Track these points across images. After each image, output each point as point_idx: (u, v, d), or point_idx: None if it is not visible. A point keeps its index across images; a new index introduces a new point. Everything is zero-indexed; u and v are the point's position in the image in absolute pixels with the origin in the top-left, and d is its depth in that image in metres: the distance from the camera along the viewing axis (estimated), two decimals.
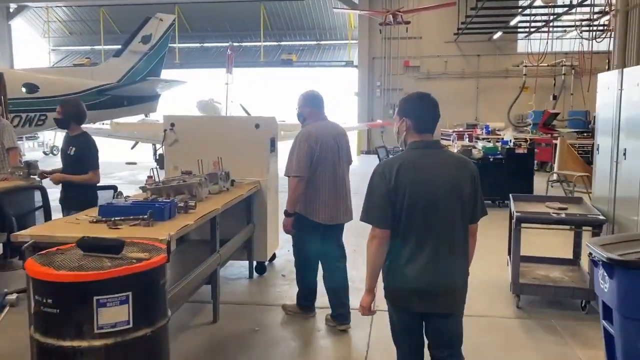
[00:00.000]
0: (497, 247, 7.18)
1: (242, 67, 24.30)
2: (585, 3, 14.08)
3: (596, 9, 14.36)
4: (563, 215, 4.75)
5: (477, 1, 14.92)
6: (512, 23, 17.16)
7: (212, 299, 4.60)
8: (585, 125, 17.04)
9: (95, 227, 3.56)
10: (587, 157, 12.71)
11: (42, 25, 26.48)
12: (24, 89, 13.45)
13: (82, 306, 2.33)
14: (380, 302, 2.80)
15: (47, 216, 5.26)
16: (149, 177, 4.88)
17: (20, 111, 13.27)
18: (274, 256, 6.23)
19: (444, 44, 21.36)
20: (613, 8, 11.61)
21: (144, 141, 15.31)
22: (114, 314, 2.36)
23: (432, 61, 21.65)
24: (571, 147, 11.91)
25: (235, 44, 24.90)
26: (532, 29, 18.37)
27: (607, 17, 13.64)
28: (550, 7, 14.37)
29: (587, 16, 15.39)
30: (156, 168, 4.84)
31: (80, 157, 4.97)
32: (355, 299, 4.12)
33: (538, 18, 16.68)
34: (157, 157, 14.26)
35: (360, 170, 18.09)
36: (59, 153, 5.24)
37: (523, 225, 4.83)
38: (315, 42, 25.44)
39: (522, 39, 20.95)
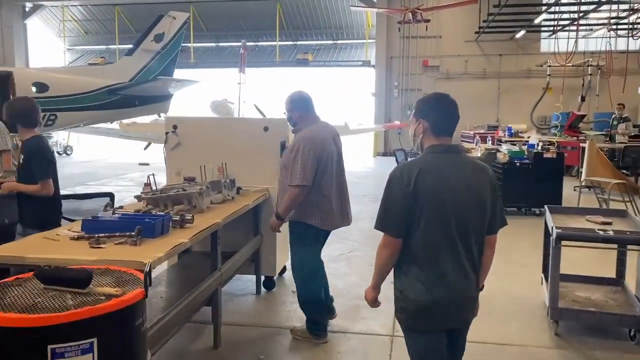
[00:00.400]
0: (526, 261, 6.62)
1: (258, 67, 23.93)
2: (615, 0, 13.40)
3: (624, 6, 13.67)
4: (611, 233, 4.19)
5: None
6: (537, 21, 16.46)
7: (213, 321, 4.13)
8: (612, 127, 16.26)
9: (76, 245, 3.11)
10: (616, 162, 12.06)
11: (58, 25, 26.34)
12: (33, 88, 13.15)
13: (33, 357, 1.87)
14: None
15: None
16: (146, 184, 4.43)
17: None
18: (284, 269, 5.75)
19: (464, 43, 20.70)
20: None
21: (157, 142, 14.94)
22: None
23: (452, 61, 21.01)
24: (600, 151, 11.25)
25: (250, 43, 24.56)
26: (558, 28, 17.69)
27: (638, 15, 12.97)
28: (579, 4, 13.68)
29: (614, 14, 14.67)
30: (153, 175, 4.38)
31: (29, 165, 4.16)
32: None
33: (564, 16, 15.97)
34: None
35: (377, 173, 17.62)
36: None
37: (563, 242, 4.27)
38: (331, 42, 24.93)
39: (545, 38, 20.27)
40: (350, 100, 25.08)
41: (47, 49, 26.79)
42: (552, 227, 4.33)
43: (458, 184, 2.41)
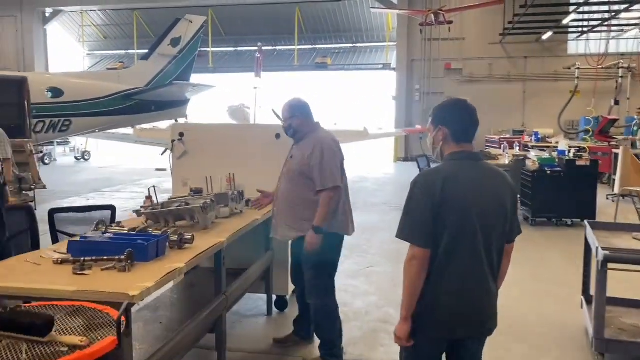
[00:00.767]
0: (560, 278, 6.11)
1: (276, 71, 23.67)
2: None
3: None
4: None
5: None
6: (565, 22, 15.83)
7: (217, 349, 3.73)
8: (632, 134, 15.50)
9: (58, 270, 2.75)
10: None
11: (77, 30, 26.43)
12: (48, 93, 13.01)
13: None
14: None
15: (34, 243, 4.48)
16: (147, 197, 4.07)
17: (44, 116, 12.85)
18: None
19: (488, 46, 20.14)
20: None
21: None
22: None
23: (476, 63, 20.45)
24: (635, 157, 10.63)
25: (269, 47, 24.29)
26: (586, 29, 17.05)
27: None
28: (609, 3, 13.06)
29: None
30: (154, 187, 4.02)
31: None
32: None
33: (595, 16, 15.33)
34: None
35: (398, 179, 17.10)
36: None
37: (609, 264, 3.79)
38: (351, 45, 24.56)
39: (573, 40, 19.59)
40: (369, 104, 24.62)
41: (67, 54, 26.92)
42: (598, 248, 3.85)
43: (483, 192, 2.35)
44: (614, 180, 10.41)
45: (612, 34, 17.32)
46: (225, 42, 25.38)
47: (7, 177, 5.21)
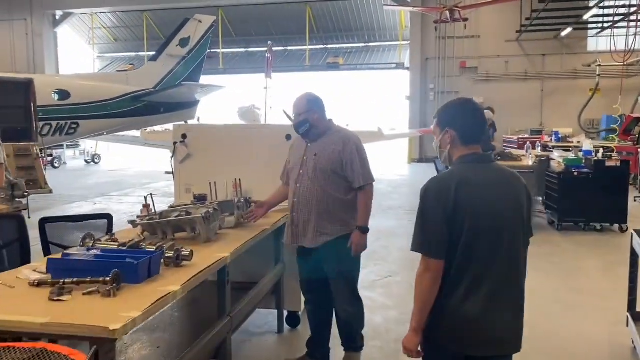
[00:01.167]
0: (598, 290, 5.63)
1: (287, 72, 23.32)
2: None
3: None
4: None
5: None
6: (586, 17, 15.29)
7: None
8: None
9: (32, 295, 2.37)
10: None
11: (87, 32, 26.29)
12: (54, 96, 12.74)
13: None
14: None
15: (25, 254, 4.10)
16: (144, 206, 3.68)
17: (50, 119, 12.59)
18: None
19: (504, 43, 19.63)
20: None
21: None
22: None
23: (492, 62, 19.94)
24: None
25: (279, 47, 23.95)
26: (608, 24, 16.46)
27: None
28: None
29: None
30: (151, 195, 3.63)
31: None
32: None
33: (619, 11, 14.75)
34: None
35: (413, 181, 16.56)
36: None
37: None
38: (363, 44, 24.14)
39: (593, 36, 18.99)
40: (383, 104, 24.19)
41: (78, 57, 26.81)
42: None
43: (498, 196, 2.22)
44: None
45: (633, 30, 16.70)
46: (235, 42, 25.09)
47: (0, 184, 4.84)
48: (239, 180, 4.05)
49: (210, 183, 3.96)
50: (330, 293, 3.78)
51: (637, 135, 13.54)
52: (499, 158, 8.78)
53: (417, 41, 20.75)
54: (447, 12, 16.20)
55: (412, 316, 2.24)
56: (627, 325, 4.23)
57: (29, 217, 5.21)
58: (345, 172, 3.52)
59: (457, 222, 2.15)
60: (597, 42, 19.26)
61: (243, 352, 4.10)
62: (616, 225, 8.20)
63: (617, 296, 4.59)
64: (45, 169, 18.71)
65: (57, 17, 24.75)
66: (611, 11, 15.60)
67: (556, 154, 10.01)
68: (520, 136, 16.53)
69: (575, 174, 8.16)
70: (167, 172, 15.93)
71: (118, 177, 16.42)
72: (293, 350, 4.22)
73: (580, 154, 8.88)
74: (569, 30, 17.65)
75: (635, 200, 10.31)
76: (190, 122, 15.85)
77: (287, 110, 14.75)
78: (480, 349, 2.22)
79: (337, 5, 22.91)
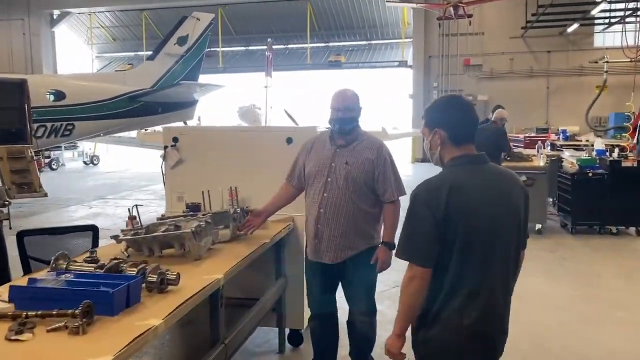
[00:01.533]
0: (619, 299, 5.27)
1: (288, 70, 22.99)
2: None
3: None
4: None
5: None
6: (594, 12, 14.90)
7: None
8: None
9: None
10: None
11: (86, 32, 25.96)
12: (49, 97, 12.40)
13: None
14: None
15: (1, 272, 3.75)
16: (130, 218, 3.34)
17: (45, 120, 12.26)
18: None
19: (509, 40, 19.26)
20: None
21: None
22: None
23: (496, 59, 19.56)
24: None
25: (280, 45, 23.61)
26: (614, 19, 16.08)
27: None
28: None
29: None
30: (136, 206, 3.29)
31: None
32: None
33: (623, 6, 14.36)
34: None
35: (416, 182, 15.90)
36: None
37: None
38: (365, 42, 23.77)
39: (599, 32, 18.60)
40: (385, 103, 23.81)
41: (76, 57, 26.49)
42: None
43: (493, 200, 2.10)
44: None
45: None
46: (236, 41, 24.76)
47: None
48: (235, 188, 3.70)
49: (202, 192, 3.60)
50: (336, 310, 3.53)
51: None
52: (508, 158, 8.41)
53: (420, 38, 20.38)
54: (451, 8, 15.82)
55: (396, 322, 2.15)
56: None
57: (10, 228, 4.88)
58: (376, 183, 3.26)
59: (449, 229, 2.03)
60: (603, 38, 18.88)
61: None
62: (632, 229, 7.86)
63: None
64: (42, 171, 18.45)
65: (55, 17, 24.43)
66: (619, 6, 15.20)
67: (567, 154, 9.65)
68: (527, 135, 16.13)
69: (590, 174, 7.80)
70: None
71: (116, 179, 16.09)
72: None
73: (594, 154, 8.52)
74: (575, 26, 17.26)
75: None
76: (189, 122, 15.57)
77: (289, 111, 14.42)
78: (478, 356, 2.16)
79: (338, 3, 22.55)
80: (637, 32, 13.93)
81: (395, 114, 22.53)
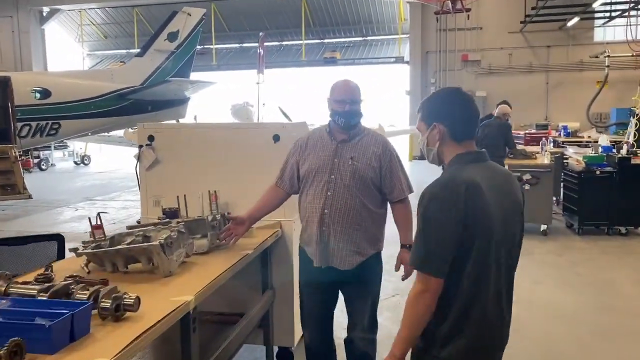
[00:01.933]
0: (637, 308, 4.90)
1: (283, 67, 22.60)
2: None
3: None
4: None
5: None
6: (595, 5, 14.53)
7: None
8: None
9: None
10: None
11: (77, 30, 25.48)
12: (34, 95, 11.97)
13: None
14: None
15: None
16: (94, 227, 2.94)
17: (29, 119, 11.82)
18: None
19: (508, 35, 18.88)
20: None
21: None
22: None
23: (495, 54, 19.18)
24: None
25: (275, 42, 23.21)
26: (615, 13, 15.73)
27: None
28: None
29: None
30: (99, 214, 2.89)
31: None
32: None
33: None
34: None
35: (416, 181, 15.51)
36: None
37: None
38: (361, 38, 23.38)
39: (600, 26, 18.25)
40: (382, 100, 23.45)
41: (67, 55, 26.03)
42: None
43: (503, 200, 1.95)
44: None
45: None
46: (229, 38, 24.34)
47: None
48: (215, 192, 3.31)
49: (177, 197, 3.21)
50: (332, 325, 3.20)
51: None
52: (510, 156, 8.06)
53: (416, 34, 19.99)
54: (449, 2, 15.44)
55: (397, 342, 1.90)
56: None
57: None
58: (383, 180, 2.95)
59: (467, 233, 1.84)
60: (604, 32, 18.54)
61: None
62: None
63: None
64: (31, 172, 17.99)
65: (44, 14, 23.91)
66: None
67: (571, 151, 9.30)
68: (527, 131, 15.76)
69: (598, 172, 7.43)
70: None
71: (106, 180, 15.65)
72: None
73: (600, 151, 8.15)
74: (575, 20, 16.89)
75: None
76: (182, 120, 15.16)
77: (283, 108, 14.01)
78: None
79: None
80: (631, 27, 13.58)
81: (392, 111, 22.18)
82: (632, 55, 14.40)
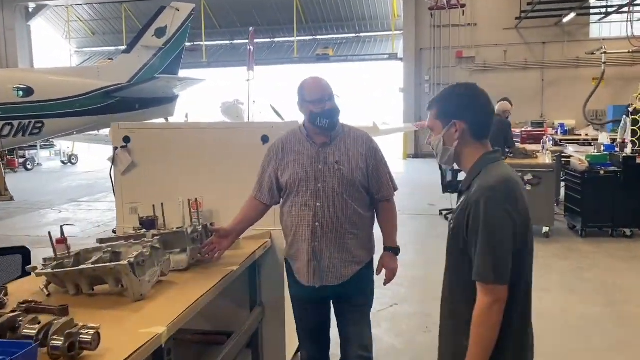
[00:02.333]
0: None
1: (275, 64, 22.25)
2: None
3: None
4: None
5: None
6: (592, 0, 14.29)
7: None
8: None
9: None
10: None
11: (64, 26, 24.95)
12: (16, 92, 11.54)
13: None
14: None
15: None
16: (58, 241, 2.59)
17: (11, 118, 11.39)
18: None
19: (502, 31, 18.63)
20: None
21: None
22: None
23: (489, 51, 18.93)
24: None
25: (266, 39, 22.86)
26: (611, 9, 15.51)
27: None
28: None
29: None
30: (61, 227, 2.55)
31: None
32: None
33: None
34: None
35: (410, 179, 15.35)
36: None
37: None
38: (354, 35, 23.05)
39: (596, 22, 18.03)
40: (375, 97, 23.16)
41: (54, 52, 25.50)
42: None
43: (526, 201, 1.87)
44: None
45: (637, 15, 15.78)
46: (220, 34, 23.93)
47: None
48: (196, 199, 2.98)
49: (153, 206, 2.87)
50: (329, 340, 2.94)
51: None
52: (510, 155, 7.76)
53: (410, 30, 19.69)
54: None
55: None
56: None
57: None
58: (370, 180, 2.74)
59: (522, 235, 1.81)
60: (600, 29, 18.33)
61: None
62: None
63: None
64: (15, 171, 17.51)
65: (30, 10, 23.41)
66: None
67: (572, 149, 9.03)
68: (524, 129, 15.50)
69: (602, 172, 7.15)
70: None
71: (92, 180, 15.23)
72: None
73: (602, 149, 7.88)
74: (571, 16, 16.66)
75: None
76: (170, 119, 14.75)
77: (275, 106, 13.67)
78: None
79: None
80: (626, 23, 13.34)
81: (385, 108, 21.90)
82: (629, 52, 14.16)
